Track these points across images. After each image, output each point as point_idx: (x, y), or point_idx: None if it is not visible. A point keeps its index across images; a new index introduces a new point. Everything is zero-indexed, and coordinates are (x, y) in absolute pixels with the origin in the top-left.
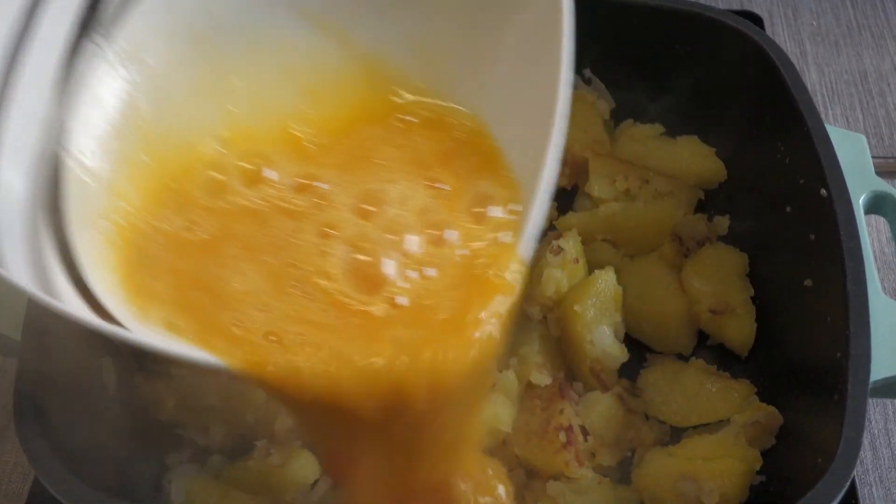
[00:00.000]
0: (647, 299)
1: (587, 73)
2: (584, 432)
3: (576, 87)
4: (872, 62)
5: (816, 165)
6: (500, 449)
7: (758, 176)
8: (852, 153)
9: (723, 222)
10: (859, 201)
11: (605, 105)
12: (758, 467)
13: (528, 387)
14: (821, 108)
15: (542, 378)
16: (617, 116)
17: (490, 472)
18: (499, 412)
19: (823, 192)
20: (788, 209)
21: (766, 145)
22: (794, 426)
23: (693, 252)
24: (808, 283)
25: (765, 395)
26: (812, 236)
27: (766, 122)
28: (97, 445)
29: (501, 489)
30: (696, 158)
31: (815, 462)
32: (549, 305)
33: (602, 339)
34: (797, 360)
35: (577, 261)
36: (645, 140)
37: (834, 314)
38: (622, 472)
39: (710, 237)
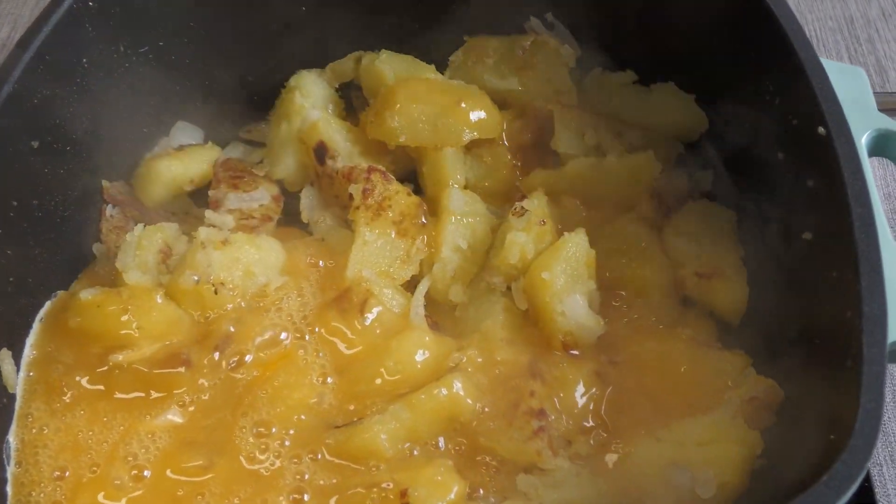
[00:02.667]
0: (624, 264)
1: (549, 17)
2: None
3: (537, 33)
4: (859, 7)
5: (812, 101)
6: (461, 438)
7: (744, 123)
8: (851, 88)
9: (705, 177)
10: (862, 141)
11: (569, 52)
12: (759, 451)
13: (493, 365)
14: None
15: (508, 355)
16: (584, 65)
17: (439, 477)
18: (459, 395)
19: (821, 130)
20: (781, 156)
21: (753, 86)
22: (798, 401)
23: (674, 211)
24: (807, 236)
25: (762, 368)
26: (810, 183)
27: (750, 60)
28: None
29: (456, 488)
30: (673, 107)
31: (826, 440)
32: (514, 274)
33: (575, 309)
34: (799, 326)
35: (543, 223)
36: (616, 89)
37: (841, 269)
38: (603, 462)
39: (693, 194)
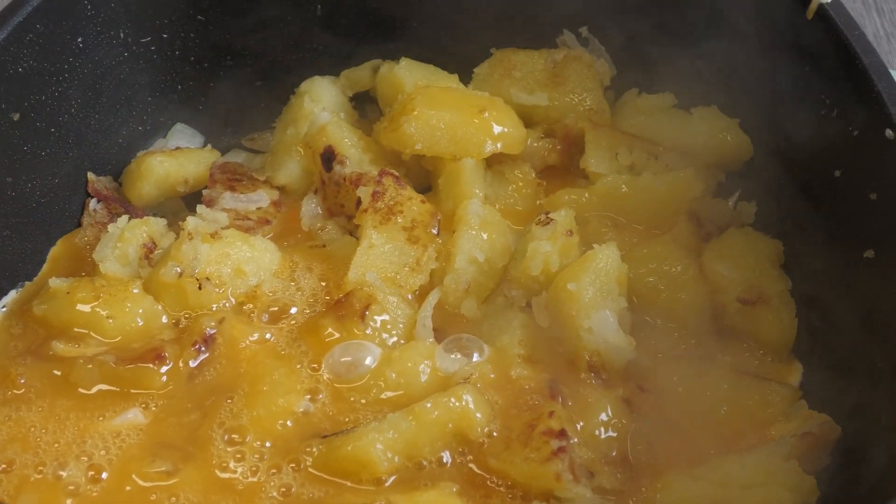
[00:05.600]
0: (656, 285)
1: (584, 31)
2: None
3: (570, 48)
4: None
5: (876, 105)
6: (469, 458)
7: (794, 144)
8: None
9: (749, 209)
10: None
11: (605, 69)
12: (814, 500)
13: (508, 383)
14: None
15: (525, 372)
16: (619, 86)
17: (442, 501)
18: (469, 409)
19: (889, 133)
20: (837, 173)
21: (807, 101)
22: (856, 438)
23: (714, 237)
24: (868, 254)
25: (812, 404)
26: (873, 196)
27: (804, 76)
28: None
29: None
30: (715, 132)
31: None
32: (536, 288)
33: (603, 326)
34: (857, 356)
35: (570, 234)
36: (652, 112)
37: None
38: (630, 499)
39: (734, 223)
